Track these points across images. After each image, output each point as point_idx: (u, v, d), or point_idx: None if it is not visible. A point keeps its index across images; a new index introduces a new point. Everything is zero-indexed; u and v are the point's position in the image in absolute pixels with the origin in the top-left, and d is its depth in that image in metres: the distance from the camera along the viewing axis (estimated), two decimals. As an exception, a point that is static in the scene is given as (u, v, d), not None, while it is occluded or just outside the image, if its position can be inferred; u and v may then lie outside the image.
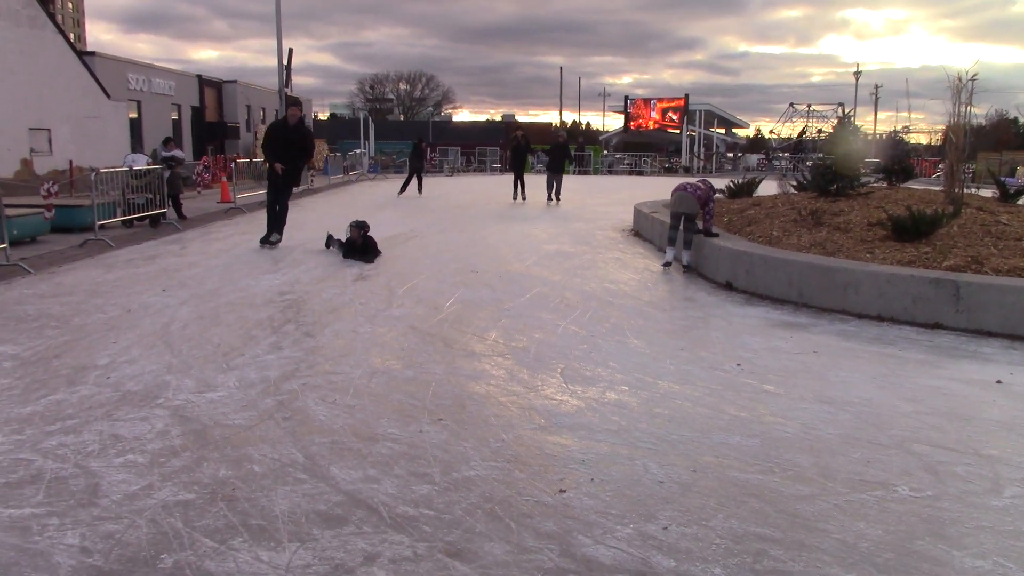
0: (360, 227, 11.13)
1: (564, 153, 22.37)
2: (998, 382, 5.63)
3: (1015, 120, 57.54)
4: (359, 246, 10.96)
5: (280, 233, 12.41)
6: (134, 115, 33.15)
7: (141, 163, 15.67)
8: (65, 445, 4.29)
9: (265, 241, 12.16)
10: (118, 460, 4.10)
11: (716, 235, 10.31)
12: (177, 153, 17.04)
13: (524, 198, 21.42)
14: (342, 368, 5.80)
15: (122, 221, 14.55)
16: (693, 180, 10.81)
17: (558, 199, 21.11)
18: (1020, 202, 11.26)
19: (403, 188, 23.29)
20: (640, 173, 46.10)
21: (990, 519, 3.57)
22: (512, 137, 24.62)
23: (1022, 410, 5.07)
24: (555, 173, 21.45)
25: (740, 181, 15.45)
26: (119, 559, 3.13)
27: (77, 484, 3.81)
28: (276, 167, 11.94)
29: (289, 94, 30.36)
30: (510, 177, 23.47)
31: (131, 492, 3.72)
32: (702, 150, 56.02)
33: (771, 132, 70.83)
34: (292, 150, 12.04)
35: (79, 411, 4.81)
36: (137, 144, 28.10)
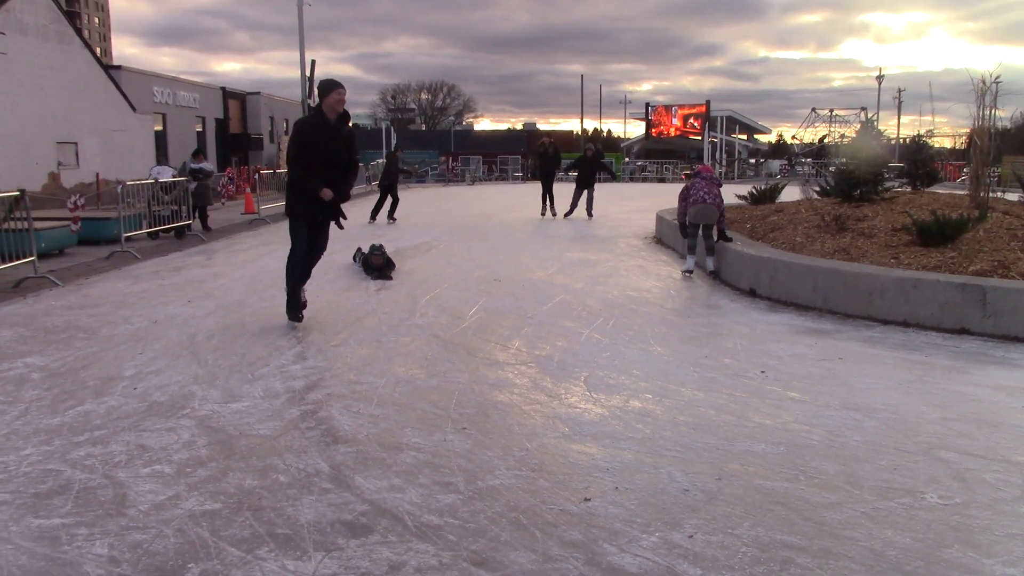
0: (381, 252, 10.88)
1: (596, 165, 19.79)
2: (1027, 388, 5.56)
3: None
4: (378, 268, 10.81)
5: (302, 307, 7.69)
6: (159, 128, 33.58)
7: (167, 175, 15.85)
8: (93, 456, 4.34)
9: (294, 315, 7.52)
10: (145, 470, 4.14)
11: (730, 239, 10.31)
12: (205, 165, 17.21)
13: (555, 213, 19.10)
14: (366, 378, 5.83)
15: (148, 233, 14.73)
16: (703, 182, 10.64)
17: (590, 214, 18.74)
18: (1048, 205, 11.11)
19: (374, 213, 17.76)
20: (662, 180, 45.97)
21: (1020, 526, 3.53)
22: (539, 144, 21.46)
23: (1052, 416, 5.00)
24: (584, 187, 18.98)
25: (763, 187, 15.37)
26: (147, 569, 3.17)
27: (105, 494, 3.85)
28: (323, 193, 7.12)
29: (312, 105, 30.60)
30: (532, 185, 21.74)
31: (158, 502, 3.75)
32: (724, 156, 55.78)
33: (793, 138, 70.48)
34: (337, 165, 7.26)
35: (107, 422, 4.87)
36: (163, 156, 28.46)
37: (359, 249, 11.37)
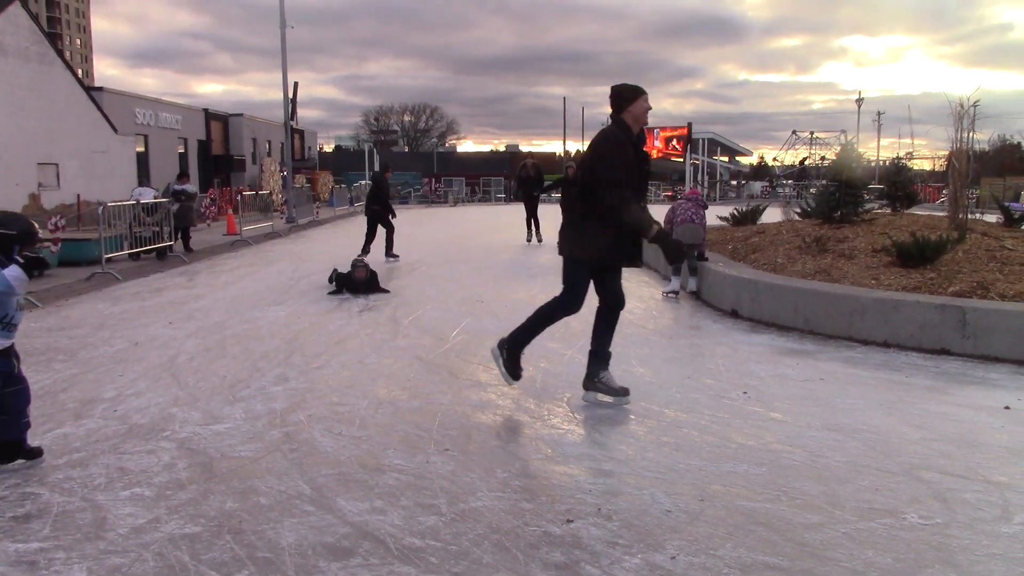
0: (364, 266, 10.86)
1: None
2: (1006, 408, 5.61)
3: (1018, 145, 57.77)
4: (364, 281, 10.78)
5: None
6: (141, 149, 33.49)
7: (148, 197, 15.81)
8: (72, 478, 4.29)
9: (514, 372, 6.08)
10: (125, 493, 4.10)
11: (706, 259, 10.50)
12: (188, 187, 17.20)
13: (540, 239, 17.76)
14: (348, 399, 5.81)
15: (129, 254, 14.65)
16: (690, 203, 10.80)
17: None
18: (1024, 227, 11.26)
19: (365, 247, 14.70)
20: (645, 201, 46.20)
21: (1000, 546, 3.55)
22: (520, 166, 19.83)
23: (1031, 436, 5.04)
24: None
25: (744, 209, 15.49)
26: (126, 593, 3.12)
27: (84, 518, 3.80)
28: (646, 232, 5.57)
29: (295, 126, 30.62)
30: (515, 207, 20.01)
31: (138, 525, 3.71)
32: (706, 178, 56.18)
33: (774, 160, 71.12)
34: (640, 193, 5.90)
35: (86, 444, 4.82)
36: (144, 177, 28.34)
37: (334, 270, 11.26)
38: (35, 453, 4.51)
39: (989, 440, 4.97)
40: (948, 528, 3.73)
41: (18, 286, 4.23)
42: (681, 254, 6.00)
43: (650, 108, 5.63)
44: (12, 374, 4.44)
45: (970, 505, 3.99)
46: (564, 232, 5.84)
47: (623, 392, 5.71)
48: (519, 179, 19.27)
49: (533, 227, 18.13)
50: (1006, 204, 13.25)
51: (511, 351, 5.86)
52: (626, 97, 5.56)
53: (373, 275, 10.89)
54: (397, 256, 14.85)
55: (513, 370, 5.84)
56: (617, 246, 5.59)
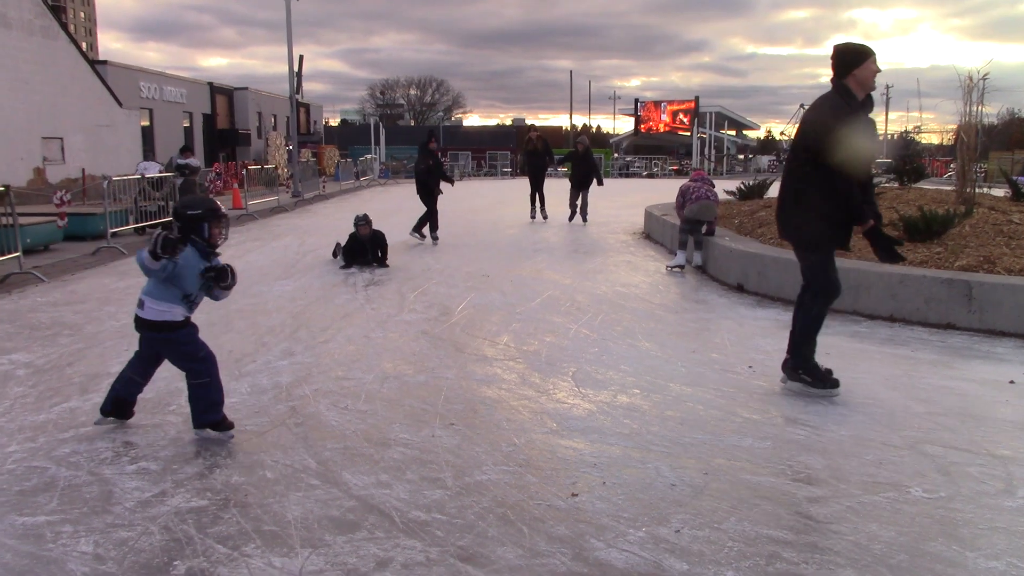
0: (367, 222, 10.85)
1: (590, 163, 17.12)
2: (1011, 382, 5.60)
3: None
4: (369, 241, 10.78)
5: None
6: (146, 123, 33.40)
7: (153, 171, 15.80)
8: (78, 453, 4.32)
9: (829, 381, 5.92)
10: (131, 467, 4.12)
11: (714, 233, 10.51)
12: (192, 161, 17.16)
13: (545, 216, 17.31)
14: (354, 373, 5.82)
15: (134, 228, 14.66)
16: (700, 183, 10.74)
17: (585, 218, 16.77)
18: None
19: (418, 227, 13.82)
20: (651, 176, 46.01)
21: (1003, 520, 3.55)
22: (526, 140, 18.45)
23: (1036, 410, 5.04)
24: (580, 188, 16.78)
25: (751, 183, 15.42)
26: (132, 566, 3.15)
27: (91, 491, 3.83)
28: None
29: (301, 100, 30.52)
30: (521, 181, 19.34)
31: (144, 499, 3.74)
32: (713, 152, 55.90)
33: (782, 134, 70.65)
34: None
35: (92, 418, 4.84)
36: (149, 152, 28.32)
37: (337, 244, 11.29)
38: (226, 425, 4.55)
39: (994, 414, 4.96)
40: (951, 502, 3.73)
41: (151, 265, 4.23)
42: (896, 256, 5.44)
43: (879, 71, 4.97)
44: (197, 355, 4.56)
45: (974, 479, 3.99)
46: (784, 214, 5.37)
47: (831, 384, 5.18)
48: (526, 153, 18.40)
49: (539, 203, 17.33)
50: (1014, 178, 13.14)
51: (807, 370, 5.27)
52: (853, 60, 4.92)
53: (379, 234, 10.90)
54: (423, 237, 13.71)
55: (825, 381, 5.23)
56: (838, 228, 5.22)
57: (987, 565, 3.17)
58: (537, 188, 17.32)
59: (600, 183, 16.95)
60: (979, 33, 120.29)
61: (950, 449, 4.38)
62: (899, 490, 3.86)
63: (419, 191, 13.75)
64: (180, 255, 4.28)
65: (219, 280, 4.50)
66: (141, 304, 4.47)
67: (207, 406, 4.51)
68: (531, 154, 17.68)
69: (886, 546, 3.31)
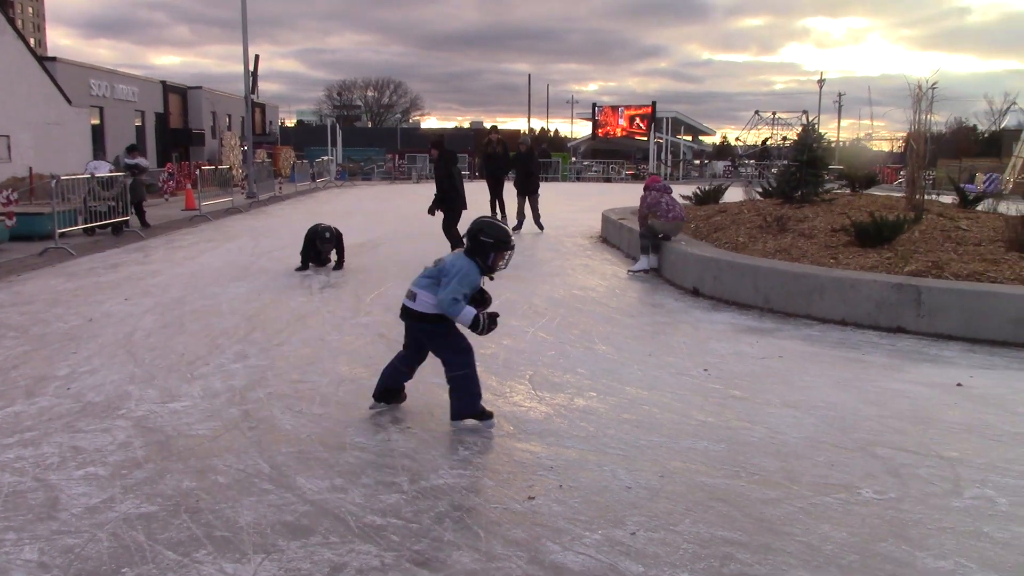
0: (330, 237, 10.70)
1: (533, 165, 15.93)
2: (958, 385, 5.72)
3: (974, 128, 58.76)
4: (332, 241, 10.67)
5: None
6: (96, 121, 32.75)
7: (103, 170, 15.48)
8: (23, 458, 4.21)
9: None
10: (78, 473, 4.02)
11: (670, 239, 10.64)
12: (141, 161, 16.85)
13: (505, 221, 13.70)
14: (309, 377, 5.75)
15: (83, 229, 14.35)
16: (665, 194, 10.67)
17: (540, 225, 15.38)
18: (979, 208, 11.47)
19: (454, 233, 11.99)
20: (608, 180, 46.31)
21: (951, 520, 3.62)
22: (486, 141, 16.85)
23: (981, 412, 5.15)
24: (526, 193, 15.48)
25: (707, 188, 15.58)
26: (79, 574, 3.07)
27: (36, 498, 3.73)
28: None
29: (256, 100, 30.15)
30: (480, 185, 16.97)
31: (92, 505, 3.65)
32: (669, 157, 56.41)
33: (737, 139, 71.64)
34: None
35: (38, 423, 4.72)
36: (100, 151, 27.77)
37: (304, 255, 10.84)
38: (487, 415, 4.74)
39: (942, 416, 5.07)
40: (901, 503, 3.80)
41: (463, 322, 4.59)
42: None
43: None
44: (460, 346, 4.74)
45: (923, 480, 4.07)
46: None
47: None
48: (485, 156, 16.63)
49: (499, 210, 15.87)
50: (961, 186, 13.47)
51: None
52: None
53: (337, 234, 10.83)
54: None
55: None
56: None
57: (936, 565, 3.23)
58: (497, 195, 15.96)
59: (534, 179, 15.57)
60: (928, 43, 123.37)
61: (900, 451, 4.46)
62: (850, 491, 3.92)
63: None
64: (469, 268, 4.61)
65: (479, 304, 4.69)
66: (413, 296, 4.76)
67: (468, 397, 4.67)
68: (490, 157, 16.13)
69: (837, 546, 3.36)
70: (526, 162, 15.69)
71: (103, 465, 4.12)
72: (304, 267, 10.59)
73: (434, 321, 4.69)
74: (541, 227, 15.36)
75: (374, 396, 5.00)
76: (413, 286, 4.78)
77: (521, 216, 15.50)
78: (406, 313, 4.82)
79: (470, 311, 4.52)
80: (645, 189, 11.01)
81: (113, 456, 4.25)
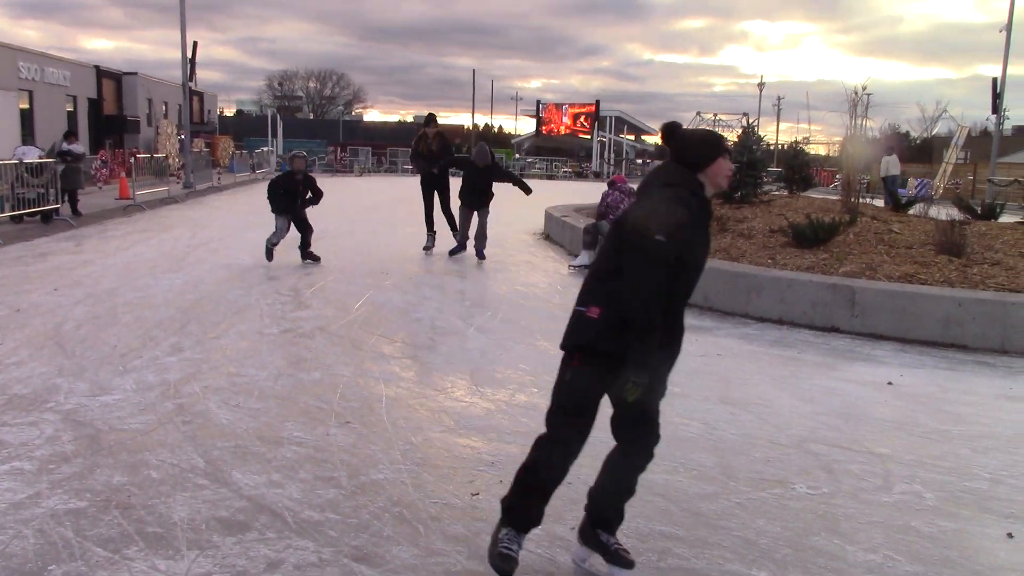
0: (303, 156, 10.62)
1: (489, 179, 11.53)
2: (889, 383, 5.88)
3: (906, 134, 60.48)
4: (301, 183, 10.39)
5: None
6: (25, 105, 31.65)
7: (32, 156, 14.97)
8: (-56, 452, 4.04)
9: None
10: (2, 468, 3.88)
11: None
12: (75, 148, 16.36)
13: (431, 245, 12.08)
14: (246, 370, 5.65)
15: (11, 216, 13.86)
16: (626, 199, 10.54)
17: (481, 252, 11.37)
18: (910, 212, 11.81)
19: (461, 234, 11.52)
20: (552, 177, 46.50)
21: (881, 514, 3.72)
22: (419, 135, 12.38)
23: (911, 410, 5.31)
24: (474, 207, 11.44)
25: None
26: (3, 571, 2.96)
27: (-43, 493, 3.59)
28: None
29: (194, 88, 29.52)
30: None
31: (17, 501, 3.52)
32: (612, 156, 56.88)
33: (679, 140, 72.35)
34: None
35: (-39, 416, 4.54)
36: (28, 136, 26.87)
37: (269, 243, 10.32)
38: None
39: (873, 414, 5.20)
40: (833, 497, 3.89)
41: None
42: None
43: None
44: None
45: (854, 475, 4.17)
46: None
47: None
48: (416, 155, 12.43)
49: (450, 226, 12.06)
50: (894, 190, 13.86)
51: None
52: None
53: (310, 177, 10.60)
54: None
55: None
56: None
57: (866, 558, 3.31)
58: (443, 206, 12.20)
59: (526, 190, 11.83)
60: (863, 50, 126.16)
61: (833, 447, 4.56)
62: (785, 487, 3.99)
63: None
64: None
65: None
66: None
67: None
68: (420, 157, 12.21)
69: (772, 540, 3.42)
70: (484, 175, 11.50)
71: (29, 460, 3.99)
72: (277, 209, 10.30)
73: None
74: (481, 255, 11.40)
75: None
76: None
77: (464, 235, 11.60)
78: None
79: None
80: (610, 186, 11.05)
81: (40, 450, 4.11)
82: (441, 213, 12.19)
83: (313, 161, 44.14)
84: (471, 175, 11.48)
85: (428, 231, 12.21)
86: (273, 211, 10.35)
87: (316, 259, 10.50)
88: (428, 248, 12.01)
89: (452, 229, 11.93)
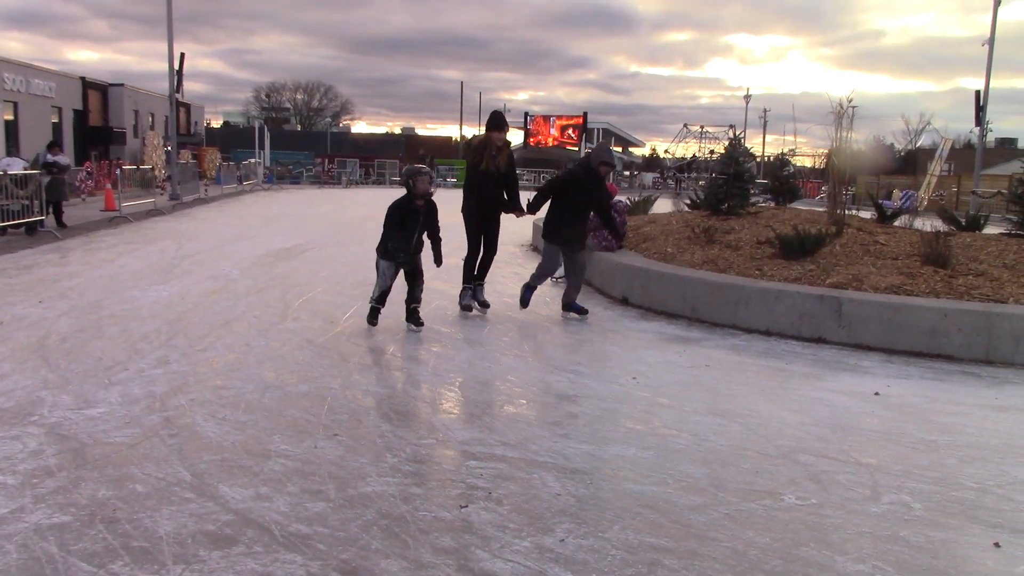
0: (428, 174, 7.46)
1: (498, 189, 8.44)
2: (876, 394, 5.90)
3: (891, 146, 61.04)
4: (424, 212, 7.36)
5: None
6: (10, 117, 31.51)
7: (16, 167, 14.89)
8: (-74, 466, 4.00)
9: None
10: (-14, 481, 3.84)
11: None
12: (60, 159, 16.29)
13: (473, 303, 8.69)
14: (233, 383, 5.61)
15: (-5, 228, 13.77)
16: (618, 215, 10.43)
17: (480, 286, 8.75)
18: (896, 224, 11.87)
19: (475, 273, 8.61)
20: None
21: (869, 525, 3.73)
22: (479, 146, 8.48)
23: (898, 420, 5.33)
24: (486, 221, 8.52)
25: (636, 199, 15.79)
26: (-15, 587, 2.93)
27: (-61, 508, 3.54)
28: None
29: (181, 99, 29.45)
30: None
31: None
32: (599, 168, 56.99)
33: (666, 152, 72.80)
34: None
35: (-57, 429, 4.49)
36: (13, 148, 26.71)
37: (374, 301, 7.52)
38: None
39: (861, 424, 5.21)
40: (822, 508, 3.89)
41: None
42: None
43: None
44: None
45: (843, 486, 4.17)
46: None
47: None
48: (472, 167, 8.47)
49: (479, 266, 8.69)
50: (880, 201, 13.94)
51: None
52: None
53: (432, 206, 7.50)
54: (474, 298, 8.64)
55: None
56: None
57: (855, 568, 3.31)
58: (489, 246, 8.66)
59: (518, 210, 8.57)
60: (846, 63, 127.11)
61: (821, 458, 4.57)
62: (774, 497, 3.99)
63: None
64: None
65: None
66: None
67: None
68: (487, 178, 8.36)
69: (761, 552, 3.42)
70: (498, 182, 8.50)
71: (12, 474, 3.94)
72: (392, 254, 7.33)
73: None
74: (481, 298, 8.77)
75: None
76: None
77: (472, 261, 8.72)
78: None
79: None
80: None
81: (23, 464, 4.07)
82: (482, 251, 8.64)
83: (301, 172, 44.24)
84: (577, 194, 8.31)
85: (469, 283, 8.66)
86: (380, 251, 7.45)
87: (420, 325, 7.46)
88: (469, 307, 8.56)
89: (471, 280, 8.66)
